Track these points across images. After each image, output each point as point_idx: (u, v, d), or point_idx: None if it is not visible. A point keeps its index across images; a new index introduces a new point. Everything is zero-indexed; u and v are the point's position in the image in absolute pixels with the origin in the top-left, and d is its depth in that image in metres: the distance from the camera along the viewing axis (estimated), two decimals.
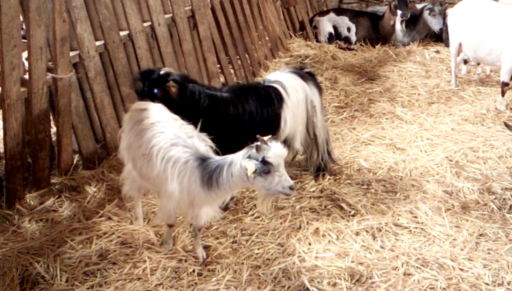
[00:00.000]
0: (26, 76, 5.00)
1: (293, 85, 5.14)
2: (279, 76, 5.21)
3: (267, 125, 4.94)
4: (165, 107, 4.36)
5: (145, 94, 4.62)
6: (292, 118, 5.08)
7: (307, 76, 5.35)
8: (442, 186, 5.31)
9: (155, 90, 4.57)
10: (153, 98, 4.55)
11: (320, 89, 5.45)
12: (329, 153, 5.54)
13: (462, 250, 4.43)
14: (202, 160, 3.90)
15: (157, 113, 4.24)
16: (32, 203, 4.99)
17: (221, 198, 4.04)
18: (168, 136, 4.02)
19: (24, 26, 5.22)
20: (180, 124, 4.16)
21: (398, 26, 9.79)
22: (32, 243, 4.42)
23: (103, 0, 5.72)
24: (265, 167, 3.64)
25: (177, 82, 4.63)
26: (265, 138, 3.68)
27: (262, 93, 5.00)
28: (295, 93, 5.11)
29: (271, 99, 4.99)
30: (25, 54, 5.11)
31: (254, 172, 3.63)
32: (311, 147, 5.39)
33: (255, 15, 8.66)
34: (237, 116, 4.84)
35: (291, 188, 3.74)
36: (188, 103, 4.66)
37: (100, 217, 4.78)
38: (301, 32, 10.26)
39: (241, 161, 3.71)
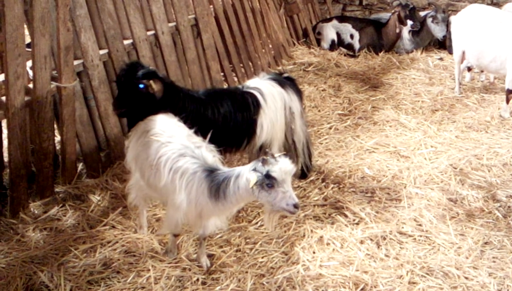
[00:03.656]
0: (31, 85, 5.01)
1: (271, 93, 5.12)
2: (258, 83, 5.21)
3: (242, 130, 4.96)
4: (172, 116, 4.37)
5: (126, 86, 4.53)
6: (269, 125, 5.07)
7: (286, 82, 5.33)
8: (447, 194, 5.30)
9: (141, 86, 4.49)
10: (135, 94, 4.50)
11: (300, 94, 5.43)
12: (309, 156, 5.55)
13: (467, 258, 4.42)
14: (210, 171, 3.88)
15: (164, 123, 4.24)
16: (36, 211, 4.99)
17: (228, 209, 4.00)
18: (175, 146, 4.01)
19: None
20: (187, 134, 4.15)
21: (406, 35, 9.80)
22: (36, 252, 4.42)
23: (107, 9, 5.75)
24: (268, 181, 3.60)
25: (162, 79, 4.61)
26: (276, 154, 3.68)
27: (239, 98, 5.00)
28: (273, 101, 5.10)
29: (247, 104, 4.99)
30: (29, 63, 5.13)
31: (255, 184, 3.61)
32: (291, 152, 5.39)
33: (258, 23, 8.68)
34: (214, 119, 4.83)
35: (295, 206, 3.66)
36: (169, 103, 4.64)
37: (104, 225, 4.77)
38: (304, 40, 10.28)
39: (247, 173, 3.70)
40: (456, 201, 5.21)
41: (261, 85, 5.16)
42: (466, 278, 4.19)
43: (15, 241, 4.59)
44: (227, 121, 4.90)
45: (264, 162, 3.63)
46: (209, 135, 4.22)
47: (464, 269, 4.27)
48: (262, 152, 4.90)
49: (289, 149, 5.36)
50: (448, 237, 4.67)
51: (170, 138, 4.09)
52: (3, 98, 4.79)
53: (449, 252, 4.48)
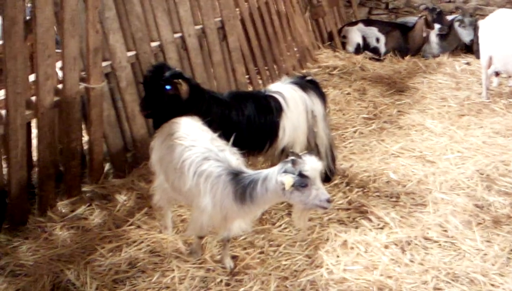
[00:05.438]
0: (60, 86, 5.10)
1: (292, 96, 5.15)
2: (280, 87, 5.24)
3: (265, 132, 5.00)
4: (197, 119, 4.40)
5: (152, 88, 4.57)
6: (291, 128, 5.09)
7: (309, 86, 5.34)
8: (473, 200, 5.24)
9: (167, 87, 4.53)
10: (161, 95, 4.54)
11: (323, 97, 5.44)
12: (333, 159, 5.53)
13: (493, 265, 4.36)
14: (235, 175, 3.90)
15: (188, 126, 4.27)
16: (63, 210, 5.07)
17: (254, 212, 4.03)
18: (199, 150, 4.03)
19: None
20: (211, 138, 4.18)
21: (434, 39, 9.71)
22: (63, 250, 4.49)
23: (135, 11, 5.81)
24: (303, 180, 3.63)
25: (188, 81, 4.65)
26: (300, 153, 3.70)
27: (262, 102, 5.04)
28: (295, 104, 5.13)
29: (269, 108, 5.03)
30: (59, 64, 5.21)
31: (292, 186, 3.62)
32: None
33: (283, 26, 8.69)
34: (238, 121, 4.87)
35: (328, 201, 3.71)
36: (195, 104, 4.68)
37: (130, 225, 4.82)
38: (330, 43, 10.25)
39: (276, 176, 3.70)
40: (482, 207, 5.15)
41: (283, 89, 5.18)
42: (492, 285, 4.14)
43: (42, 239, 4.67)
44: (251, 124, 4.93)
45: (294, 163, 3.64)
46: (232, 138, 4.25)
47: (490, 276, 4.22)
48: (285, 154, 4.92)
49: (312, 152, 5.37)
50: (474, 243, 4.62)
51: (194, 142, 4.11)
52: (33, 98, 4.87)
53: (475, 259, 4.43)
